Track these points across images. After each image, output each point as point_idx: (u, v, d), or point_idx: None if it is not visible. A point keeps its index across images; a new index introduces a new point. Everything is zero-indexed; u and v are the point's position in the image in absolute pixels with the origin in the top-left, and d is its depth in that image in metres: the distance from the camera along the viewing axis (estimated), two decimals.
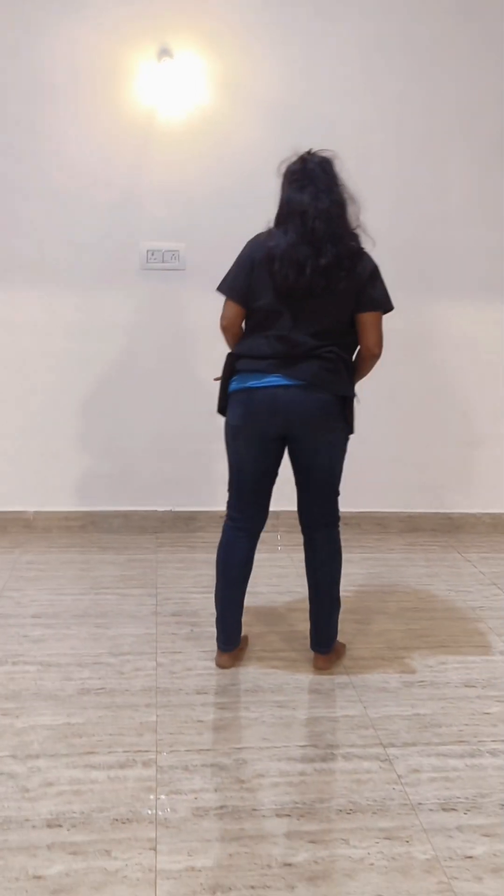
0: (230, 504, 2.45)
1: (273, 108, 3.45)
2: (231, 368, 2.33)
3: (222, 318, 2.35)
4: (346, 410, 2.31)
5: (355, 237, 2.21)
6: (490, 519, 3.91)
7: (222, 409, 2.39)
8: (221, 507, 3.67)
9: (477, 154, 3.59)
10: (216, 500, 3.78)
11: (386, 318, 2.30)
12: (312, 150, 2.20)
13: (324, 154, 2.20)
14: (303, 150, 2.23)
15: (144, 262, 3.56)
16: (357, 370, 2.36)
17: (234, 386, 2.32)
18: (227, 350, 2.38)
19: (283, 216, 2.19)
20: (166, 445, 3.72)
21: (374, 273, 2.24)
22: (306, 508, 2.41)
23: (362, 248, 2.23)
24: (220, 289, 2.33)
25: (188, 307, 3.60)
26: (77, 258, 3.52)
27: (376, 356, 2.31)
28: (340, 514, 2.45)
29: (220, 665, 2.47)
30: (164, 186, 3.49)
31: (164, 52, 3.36)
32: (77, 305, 3.56)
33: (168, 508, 3.77)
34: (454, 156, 3.58)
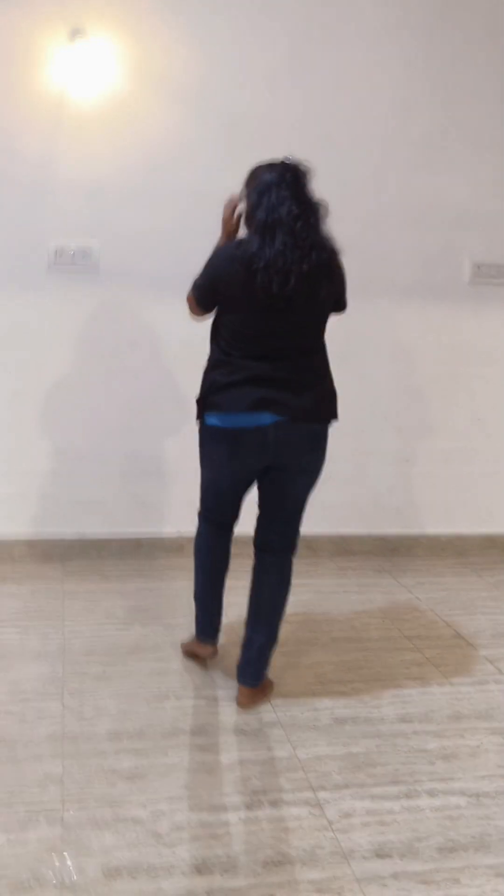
0: (205, 505, 2.60)
1: (196, 95, 3.48)
2: (209, 400, 2.39)
3: (191, 311, 2.50)
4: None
5: (332, 243, 2.34)
6: (427, 541, 4.01)
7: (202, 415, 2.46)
8: (137, 530, 3.68)
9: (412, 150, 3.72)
10: (131, 523, 3.78)
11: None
12: (289, 159, 2.30)
13: (301, 163, 2.29)
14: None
15: (52, 261, 3.50)
16: None
17: (215, 422, 2.39)
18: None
19: (261, 226, 2.24)
20: (75, 464, 3.66)
21: (343, 276, 2.41)
22: (267, 531, 2.52)
23: (336, 252, 2.36)
24: (195, 297, 2.43)
25: (102, 313, 3.55)
26: None
27: None
28: None
29: (202, 654, 2.69)
30: (74, 177, 3.45)
31: (78, 33, 3.34)
32: None
33: (77, 533, 3.73)
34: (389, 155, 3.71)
